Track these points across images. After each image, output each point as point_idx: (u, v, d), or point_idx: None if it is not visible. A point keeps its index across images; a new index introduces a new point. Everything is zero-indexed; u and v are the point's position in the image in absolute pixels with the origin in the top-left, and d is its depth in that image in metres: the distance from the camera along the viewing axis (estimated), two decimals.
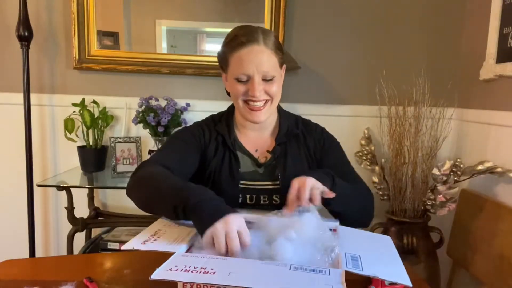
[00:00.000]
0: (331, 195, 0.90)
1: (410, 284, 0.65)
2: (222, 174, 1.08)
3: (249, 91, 1.01)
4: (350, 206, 1.01)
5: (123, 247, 0.77)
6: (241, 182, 1.08)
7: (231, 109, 1.16)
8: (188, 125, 1.21)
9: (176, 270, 0.64)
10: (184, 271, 0.64)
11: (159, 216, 0.95)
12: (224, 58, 1.05)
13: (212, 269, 0.64)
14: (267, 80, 1.01)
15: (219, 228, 0.75)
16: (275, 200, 1.09)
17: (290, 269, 0.63)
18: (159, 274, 0.63)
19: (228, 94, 1.14)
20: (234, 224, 0.76)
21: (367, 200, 1.11)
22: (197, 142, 1.10)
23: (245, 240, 0.75)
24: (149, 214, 1.05)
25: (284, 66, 1.10)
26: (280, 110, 1.17)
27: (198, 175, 1.11)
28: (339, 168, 1.11)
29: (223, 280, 0.60)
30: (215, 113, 1.20)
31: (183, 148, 1.08)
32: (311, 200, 0.87)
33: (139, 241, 0.79)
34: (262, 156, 1.12)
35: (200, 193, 0.84)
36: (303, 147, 1.13)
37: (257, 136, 1.14)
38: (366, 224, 1.11)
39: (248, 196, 1.08)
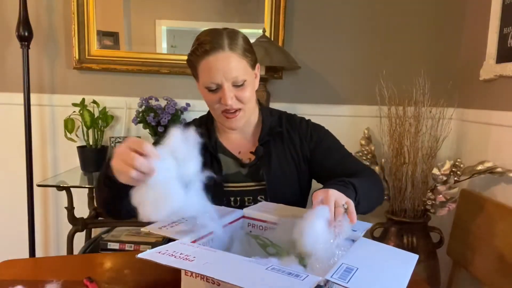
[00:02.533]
0: (354, 220, 0.78)
1: None
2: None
3: (221, 100, 0.98)
4: (371, 202, 0.99)
5: (142, 229, 0.81)
6: (224, 184, 1.07)
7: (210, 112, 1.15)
8: None
9: (164, 254, 0.66)
10: (170, 255, 0.66)
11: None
12: (191, 66, 1.03)
13: (194, 257, 0.65)
14: (238, 85, 0.98)
15: (115, 153, 0.75)
16: (259, 200, 1.07)
17: (267, 268, 0.62)
18: (145, 254, 0.65)
19: None
20: (125, 143, 0.74)
21: (379, 184, 1.07)
22: None
23: (146, 150, 0.71)
24: None
25: (258, 65, 1.07)
26: (261, 108, 1.14)
27: None
28: (336, 156, 1.09)
29: (195, 268, 0.62)
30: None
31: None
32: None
33: (157, 226, 0.82)
34: (246, 157, 1.10)
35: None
36: (288, 144, 1.10)
37: (239, 138, 1.13)
38: (380, 204, 1.08)
39: (232, 198, 1.07)
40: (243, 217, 0.92)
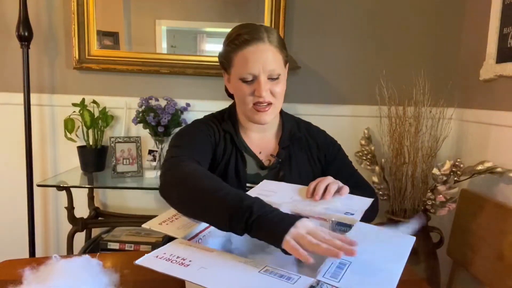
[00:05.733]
0: (345, 192, 0.89)
1: None
2: (228, 174, 1.06)
3: (255, 91, 0.99)
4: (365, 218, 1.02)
5: (143, 225, 0.81)
6: (246, 184, 1.07)
7: (233, 108, 1.13)
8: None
9: (161, 258, 0.66)
10: (166, 260, 0.65)
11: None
12: (227, 58, 1.02)
13: (190, 261, 0.65)
14: (273, 79, 0.99)
15: (295, 231, 0.66)
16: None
17: (260, 271, 0.62)
18: (143, 261, 0.65)
19: (229, 95, 1.13)
20: (310, 225, 0.68)
21: (375, 203, 1.10)
22: (210, 138, 1.07)
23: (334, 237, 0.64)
24: (150, 215, 1.05)
25: (288, 64, 1.08)
26: (282, 112, 1.16)
27: None
28: (345, 174, 1.12)
29: (189, 275, 0.61)
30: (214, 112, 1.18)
31: (203, 142, 1.04)
32: (324, 193, 0.87)
33: (157, 222, 0.81)
34: (266, 159, 1.11)
35: (261, 204, 0.74)
36: (306, 150, 1.13)
37: (260, 138, 1.13)
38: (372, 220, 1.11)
39: None
40: None
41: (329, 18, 1.96)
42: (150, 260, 0.65)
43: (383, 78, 1.87)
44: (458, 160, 1.63)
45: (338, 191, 0.89)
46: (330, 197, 0.86)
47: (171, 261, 0.65)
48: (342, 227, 0.79)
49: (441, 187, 1.62)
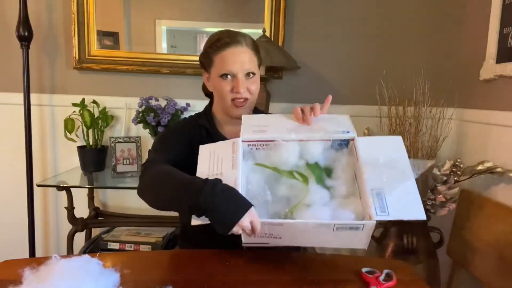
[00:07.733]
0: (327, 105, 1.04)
1: (424, 217, 0.82)
2: None
3: (234, 88, 1.10)
4: None
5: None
6: None
7: (208, 108, 1.24)
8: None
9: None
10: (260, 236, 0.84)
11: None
12: (207, 58, 1.13)
13: (278, 235, 0.84)
14: (249, 77, 1.11)
15: (245, 223, 0.82)
16: None
17: (333, 230, 0.79)
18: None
19: (206, 94, 1.25)
20: (255, 217, 0.84)
21: None
22: (185, 135, 1.16)
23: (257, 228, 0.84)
24: (150, 214, 1.05)
25: (261, 67, 1.21)
26: (256, 108, 1.25)
27: (189, 172, 1.12)
28: None
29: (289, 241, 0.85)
30: None
31: (176, 142, 1.15)
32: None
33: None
34: None
35: (209, 187, 0.85)
36: None
37: (235, 130, 1.17)
38: None
39: None
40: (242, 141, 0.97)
41: (329, 18, 1.96)
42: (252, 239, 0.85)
43: (383, 78, 1.87)
44: (458, 160, 1.63)
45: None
46: (318, 113, 1.00)
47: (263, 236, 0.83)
48: (343, 142, 0.95)
49: (441, 187, 1.62)
